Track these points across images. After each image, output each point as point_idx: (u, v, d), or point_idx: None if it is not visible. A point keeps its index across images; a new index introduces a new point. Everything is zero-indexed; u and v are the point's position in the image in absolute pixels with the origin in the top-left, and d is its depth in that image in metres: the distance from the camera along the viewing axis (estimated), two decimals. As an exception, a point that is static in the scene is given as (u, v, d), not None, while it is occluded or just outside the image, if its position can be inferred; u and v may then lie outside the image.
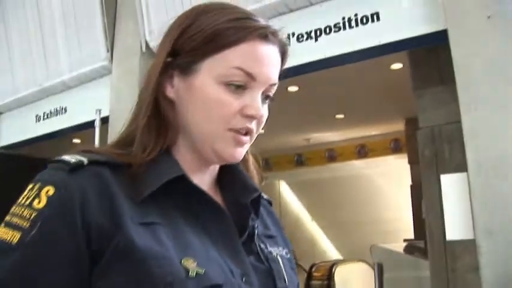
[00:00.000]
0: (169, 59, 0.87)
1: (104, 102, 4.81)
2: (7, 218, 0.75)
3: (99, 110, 4.66)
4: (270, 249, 0.94)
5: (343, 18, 3.52)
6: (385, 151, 9.58)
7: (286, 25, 3.21)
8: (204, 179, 0.92)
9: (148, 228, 0.76)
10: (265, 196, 1.08)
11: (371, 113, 8.07)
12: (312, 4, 3.71)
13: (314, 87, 6.68)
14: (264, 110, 0.89)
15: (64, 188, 0.74)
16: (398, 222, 8.83)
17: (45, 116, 5.83)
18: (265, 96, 0.90)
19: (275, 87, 0.92)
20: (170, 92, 0.88)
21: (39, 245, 0.71)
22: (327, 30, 3.59)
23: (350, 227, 10.16)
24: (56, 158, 0.80)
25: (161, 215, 0.79)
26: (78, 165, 0.77)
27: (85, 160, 0.78)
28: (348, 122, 8.69)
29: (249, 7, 3.85)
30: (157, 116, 0.87)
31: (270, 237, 0.99)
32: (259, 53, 0.85)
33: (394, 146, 9.41)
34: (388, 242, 7.36)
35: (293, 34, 3.78)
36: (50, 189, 0.74)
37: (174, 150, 0.89)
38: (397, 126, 8.50)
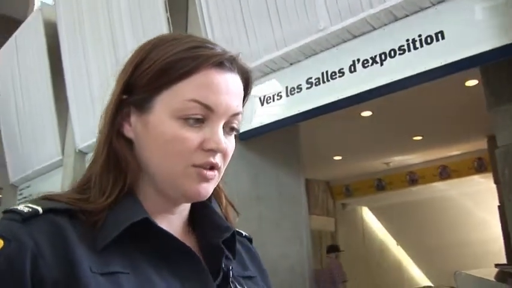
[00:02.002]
0: (124, 97, 0.82)
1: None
2: None
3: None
4: None
5: (407, 40, 3.47)
6: (469, 171, 9.20)
7: (350, 52, 3.26)
8: (173, 221, 0.87)
9: (110, 279, 0.70)
10: (244, 233, 1.02)
11: (450, 132, 7.83)
12: (374, 28, 3.70)
13: (388, 111, 6.60)
14: (229, 143, 0.83)
15: (14, 240, 0.68)
16: (487, 244, 8.41)
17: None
18: (230, 128, 0.84)
19: (239, 117, 0.85)
20: (128, 131, 0.83)
21: None
22: (392, 53, 3.56)
23: (437, 251, 9.80)
24: (9, 208, 0.74)
25: (125, 263, 0.74)
26: (32, 215, 0.71)
27: (39, 209, 0.73)
28: (427, 143, 8.46)
29: (313, 36, 3.92)
30: (115, 156, 0.81)
31: (248, 277, 0.92)
32: (214, 82, 0.79)
33: (478, 166, 9.02)
34: (478, 266, 6.99)
35: (358, 60, 3.77)
36: (0, 242, 0.68)
37: (137, 192, 0.83)
38: (480, 145, 8.18)
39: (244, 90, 0.88)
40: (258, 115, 4.52)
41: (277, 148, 5.26)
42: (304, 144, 5.73)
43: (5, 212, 0.74)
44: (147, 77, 0.80)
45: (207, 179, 0.80)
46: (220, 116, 0.80)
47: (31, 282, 0.66)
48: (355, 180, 11.22)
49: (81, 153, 7.02)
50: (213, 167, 0.80)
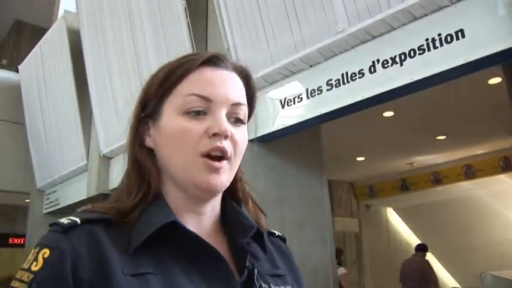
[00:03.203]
0: (142, 114, 0.93)
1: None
2: (12, 282, 0.79)
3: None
4: (274, 287, 0.92)
5: (427, 40, 3.44)
6: (495, 170, 9.06)
7: (370, 52, 3.25)
8: (202, 222, 0.93)
9: (139, 279, 0.77)
10: (277, 233, 1.08)
11: (474, 131, 7.74)
12: (393, 29, 3.68)
13: (410, 110, 6.56)
14: (236, 132, 0.89)
15: (57, 249, 0.77)
16: (516, 244, 8.29)
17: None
18: (236, 119, 0.91)
19: (241, 108, 0.92)
20: (149, 142, 0.93)
21: None
22: (411, 53, 3.53)
23: (463, 251, 9.69)
24: (54, 222, 0.84)
25: (154, 264, 0.81)
26: (71, 226, 0.80)
27: (78, 220, 0.81)
28: (451, 143, 8.38)
29: (332, 38, 3.93)
30: (139, 165, 0.92)
31: (277, 275, 0.96)
32: (208, 76, 0.89)
33: (503, 164, 8.88)
34: (506, 267, 6.90)
35: (378, 61, 3.76)
36: (46, 252, 0.78)
37: (166, 196, 0.91)
38: (505, 143, 8.06)
39: (246, 87, 0.96)
40: (280, 117, 4.53)
41: (299, 150, 5.26)
42: (327, 146, 5.72)
43: (50, 225, 0.84)
44: (153, 88, 0.92)
45: (216, 169, 0.86)
46: (220, 105, 0.88)
47: (73, 283, 0.75)
48: (379, 181, 11.14)
49: (106, 158, 7.13)
50: (222, 156, 0.87)
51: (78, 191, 7.87)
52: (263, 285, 0.89)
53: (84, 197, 7.36)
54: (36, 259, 0.78)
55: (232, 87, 0.90)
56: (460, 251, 9.74)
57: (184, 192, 0.90)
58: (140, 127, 0.94)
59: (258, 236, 0.94)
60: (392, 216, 12.54)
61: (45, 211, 9.32)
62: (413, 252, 7.80)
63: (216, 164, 0.86)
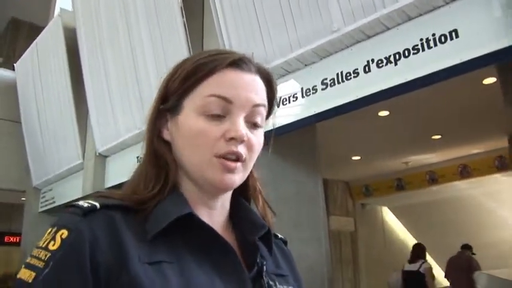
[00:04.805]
0: (162, 106, 0.94)
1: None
2: (27, 259, 0.80)
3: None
4: (279, 286, 0.94)
5: (421, 40, 3.46)
6: (490, 169, 9.07)
7: (365, 52, 3.26)
8: (214, 216, 0.95)
9: (155, 267, 0.79)
10: (279, 236, 1.10)
11: (469, 130, 7.76)
12: (388, 28, 3.69)
13: (405, 110, 6.57)
14: (253, 136, 0.91)
15: (76, 231, 0.79)
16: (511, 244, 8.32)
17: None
18: (253, 124, 0.92)
19: (260, 112, 0.92)
20: (166, 135, 0.94)
21: (51, 283, 0.76)
22: (406, 53, 3.55)
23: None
24: (72, 203, 0.85)
25: (169, 253, 0.82)
26: (91, 210, 0.82)
27: (97, 205, 0.83)
28: (446, 142, 8.39)
29: (327, 37, 3.94)
30: (156, 156, 0.93)
31: (281, 275, 0.98)
32: (231, 78, 0.89)
33: (499, 164, 8.89)
34: (502, 267, 6.92)
35: (372, 60, 3.77)
36: (64, 232, 0.79)
37: (181, 189, 0.93)
38: (500, 143, 8.07)
39: (268, 90, 0.97)
40: (275, 116, 4.54)
41: (294, 149, 5.27)
42: (323, 145, 5.73)
43: (68, 206, 0.85)
44: (176, 84, 0.92)
45: (230, 169, 0.88)
46: (240, 107, 0.89)
47: (91, 266, 0.76)
48: (375, 180, 11.15)
49: (101, 157, 7.13)
50: (238, 158, 0.88)
51: (74, 190, 7.87)
52: (270, 282, 0.91)
53: (80, 195, 7.35)
54: (54, 238, 0.79)
55: (253, 91, 0.91)
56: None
57: (198, 187, 0.92)
58: (158, 119, 0.95)
59: (266, 235, 0.96)
60: (388, 216, 12.57)
61: (40, 209, 9.32)
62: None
63: (232, 164, 0.88)
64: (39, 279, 0.76)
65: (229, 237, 0.94)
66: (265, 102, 0.94)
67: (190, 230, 0.86)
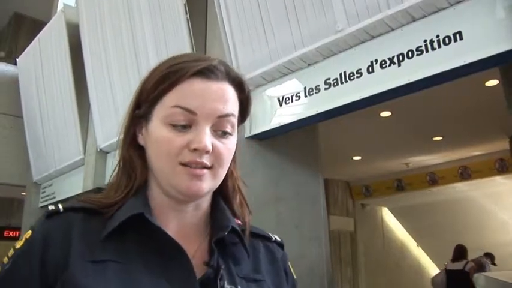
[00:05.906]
0: (136, 112, 0.96)
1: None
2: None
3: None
4: None
5: (425, 41, 3.45)
6: (491, 172, 9.09)
7: (368, 52, 3.25)
8: (185, 219, 0.96)
9: (97, 266, 0.83)
10: (274, 238, 1.09)
11: (470, 132, 7.77)
12: (392, 29, 3.68)
13: (407, 111, 6.58)
14: (220, 144, 0.91)
15: (36, 231, 0.88)
16: (511, 246, 8.31)
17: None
18: (223, 132, 0.91)
19: (229, 120, 0.92)
20: (141, 140, 0.97)
21: (6, 275, 0.85)
22: (410, 54, 3.54)
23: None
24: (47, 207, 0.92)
25: (119, 253, 0.85)
26: (54, 213, 0.89)
27: (60, 208, 0.90)
28: (447, 144, 8.40)
29: (330, 37, 3.93)
30: (129, 162, 0.97)
31: (254, 280, 0.96)
32: (196, 89, 0.89)
33: (499, 166, 8.91)
34: (501, 269, 6.92)
35: (376, 61, 3.77)
36: (29, 233, 0.89)
37: (148, 192, 0.95)
38: (502, 145, 8.09)
39: (239, 93, 0.97)
40: (277, 115, 4.54)
41: (296, 148, 5.26)
42: (324, 145, 5.73)
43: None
44: (146, 93, 0.94)
45: (197, 176, 0.88)
46: (205, 118, 0.89)
47: (40, 263, 0.84)
48: (375, 181, 11.17)
49: (102, 153, 7.12)
50: (204, 166, 0.89)
51: (74, 185, 7.86)
52: (226, 286, 0.89)
53: (80, 191, 7.35)
54: (22, 238, 0.89)
55: (220, 101, 0.90)
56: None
57: (165, 193, 0.93)
58: (134, 124, 0.98)
59: (239, 236, 0.96)
60: (388, 216, 12.58)
61: (41, 204, 9.31)
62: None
63: (197, 171, 0.88)
64: (2, 273, 0.86)
65: (198, 240, 0.95)
66: (235, 109, 0.94)
67: (145, 231, 0.88)
